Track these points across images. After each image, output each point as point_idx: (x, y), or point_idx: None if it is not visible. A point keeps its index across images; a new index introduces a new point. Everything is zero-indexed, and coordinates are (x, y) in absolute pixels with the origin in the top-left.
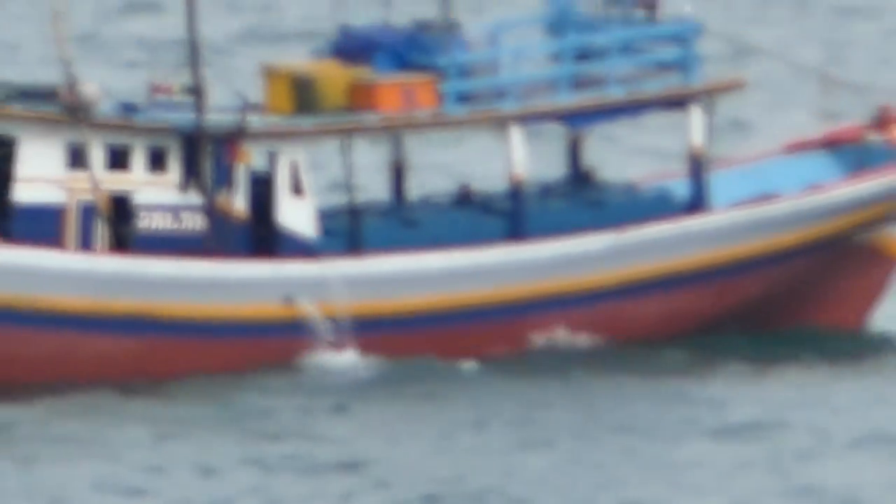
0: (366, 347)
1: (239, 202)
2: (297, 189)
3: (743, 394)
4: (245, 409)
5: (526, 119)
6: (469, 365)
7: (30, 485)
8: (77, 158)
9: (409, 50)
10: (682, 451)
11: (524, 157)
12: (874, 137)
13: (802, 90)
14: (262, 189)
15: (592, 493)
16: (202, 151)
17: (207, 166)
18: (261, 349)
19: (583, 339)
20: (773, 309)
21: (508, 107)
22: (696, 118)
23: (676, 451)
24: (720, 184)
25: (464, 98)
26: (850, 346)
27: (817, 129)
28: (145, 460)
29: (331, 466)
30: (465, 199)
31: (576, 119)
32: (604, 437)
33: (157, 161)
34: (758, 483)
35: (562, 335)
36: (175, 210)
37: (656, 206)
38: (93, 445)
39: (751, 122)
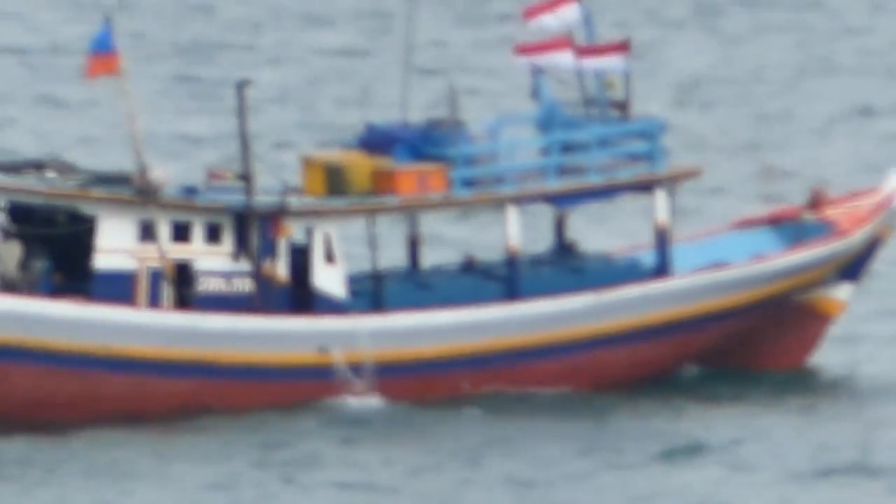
0: (386, 389)
1: (281, 269)
2: (329, 258)
3: (695, 426)
4: (280, 440)
5: (520, 200)
6: (468, 403)
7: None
8: (147, 233)
9: (424, 143)
10: (642, 478)
11: (518, 232)
12: (808, 216)
13: (735, 176)
14: (300, 258)
15: None
16: (251, 227)
17: (255, 239)
18: (298, 390)
19: (565, 383)
20: (725, 356)
21: (505, 190)
22: (661, 200)
23: (636, 479)
24: (681, 254)
25: (469, 183)
26: (788, 386)
27: (754, 210)
28: (202, 481)
29: (351, 485)
30: (469, 267)
31: (561, 200)
32: (570, 462)
33: (213, 235)
34: None
35: (548, 379)
36: (228, 275)
37: (628, 273)
38: (154, 469)
39: (688, 206)
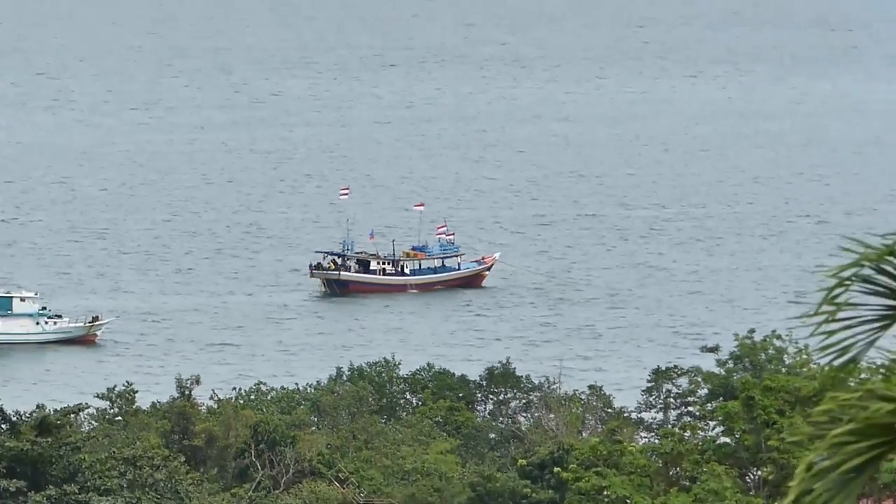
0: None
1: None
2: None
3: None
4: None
5: (441, 261)
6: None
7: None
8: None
9: (420, 249)
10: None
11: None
12: (488, 260)
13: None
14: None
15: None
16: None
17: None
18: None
19: (452, 288)
20: (469, 285)
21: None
22: (466, 260)
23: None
24: (464, 264)
25: (429, 257)
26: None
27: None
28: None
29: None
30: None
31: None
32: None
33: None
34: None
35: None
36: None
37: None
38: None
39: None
